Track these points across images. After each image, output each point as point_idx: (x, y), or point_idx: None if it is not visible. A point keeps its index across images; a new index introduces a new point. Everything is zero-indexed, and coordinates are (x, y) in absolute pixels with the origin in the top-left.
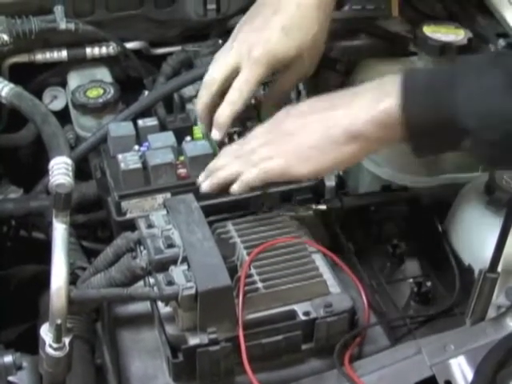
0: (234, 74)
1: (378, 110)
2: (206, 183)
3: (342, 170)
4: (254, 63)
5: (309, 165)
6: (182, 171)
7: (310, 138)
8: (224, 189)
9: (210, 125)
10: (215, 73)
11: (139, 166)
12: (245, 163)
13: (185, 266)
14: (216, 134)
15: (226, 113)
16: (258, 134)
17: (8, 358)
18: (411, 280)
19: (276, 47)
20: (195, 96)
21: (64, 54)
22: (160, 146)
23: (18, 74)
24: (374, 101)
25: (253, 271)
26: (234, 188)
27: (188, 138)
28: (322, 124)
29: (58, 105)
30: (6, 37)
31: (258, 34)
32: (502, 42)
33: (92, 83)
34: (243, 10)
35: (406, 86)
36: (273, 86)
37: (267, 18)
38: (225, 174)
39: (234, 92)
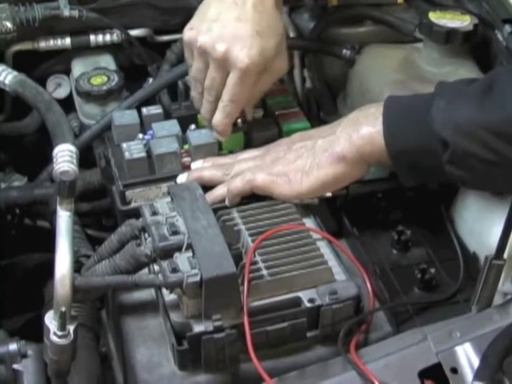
0: (223, 85)
1: (359, 134)
2: (183, 175)
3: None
4: (243, 74)
5: (291, 186)
6: (187, 160)
7: (296, 161)
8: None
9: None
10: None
11: (143, 155)
12: (228, 176)
13: (189, 253)
14: (219, 137)
15: (223, 122)
16: (247, 157)
17: (13, 346)
18: (416, 267)
19: (260, 51)
20: None
21: (68, 41)
22: (164, 135)
23: (21, 62)
24: (356, 125)
25: (257, 258)
26: (227, 203)
27: (192, 127)
28: (308, 149)
29: (61, 92)
30: (9, 24)
31: (236, 43)
32: (508, 28)
33: (96, 71)
34: None
35: (386, 111)
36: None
37: (233, 25)
38: (206, 174)
39: (229, 103)
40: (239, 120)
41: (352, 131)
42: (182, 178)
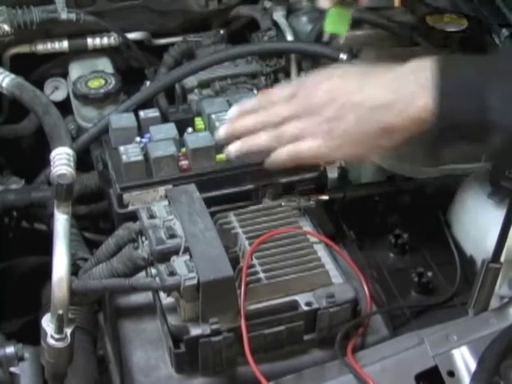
0: None
1: (415, 106)
2: (234, 149)
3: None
4: None
5: (340, 151)
6: (184, 163)
7: (345, 126)
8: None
9: None
10: None
11: (141, 158)
12: (276, 138)
13: (187, 257)
14: (323, 4)
15: None
16: (285, 96)
17: (10, 349)
18: (413, 270)
19: None
20: (196, 87)
21: (65, 44)
22: (162, 138)
23: (19, 65)
24: (412, 94)
25: (255, 262)
26: (267, 164)
27: (190, 130)
28: (356, 114)
29: (59, 95)
30: (7, 27)
31: None
32: (504, 32)
33: (93, 74)
34: (244, 1)
35: (441, 78)
36: None
37: None
38: (255, 145)
39: None
40: None
41: (406, 103)
42: (234, 152)
